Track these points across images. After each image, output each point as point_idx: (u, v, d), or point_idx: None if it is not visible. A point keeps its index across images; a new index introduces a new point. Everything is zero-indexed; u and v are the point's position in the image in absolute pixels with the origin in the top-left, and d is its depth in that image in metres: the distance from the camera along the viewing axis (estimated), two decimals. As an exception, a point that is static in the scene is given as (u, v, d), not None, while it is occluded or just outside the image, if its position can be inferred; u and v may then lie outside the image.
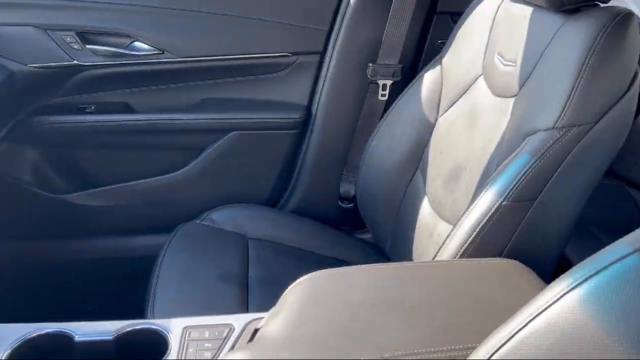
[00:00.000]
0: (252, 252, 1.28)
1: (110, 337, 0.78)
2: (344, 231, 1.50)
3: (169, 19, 1.34)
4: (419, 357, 0.64)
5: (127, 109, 1.41)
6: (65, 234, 1.47)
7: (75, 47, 1.30)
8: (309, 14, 1.39)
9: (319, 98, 1.43)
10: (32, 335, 0.76)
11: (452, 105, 1.17)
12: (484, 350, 0.58)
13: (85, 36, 1.31)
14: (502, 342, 0.56)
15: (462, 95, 1.15)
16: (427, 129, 1.21)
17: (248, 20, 1.37)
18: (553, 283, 0.57)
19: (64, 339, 0.77)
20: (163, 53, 1.34)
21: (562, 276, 0.56)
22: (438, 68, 1.24)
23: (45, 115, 1.36)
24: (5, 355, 0.74)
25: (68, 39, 1.28)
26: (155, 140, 1.44)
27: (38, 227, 1.45)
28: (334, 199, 1.51)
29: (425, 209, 1.16)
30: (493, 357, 0.56)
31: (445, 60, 1.23)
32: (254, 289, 1.15)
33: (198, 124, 1.42)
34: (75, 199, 1.44)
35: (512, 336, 0.56)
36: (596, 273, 0.52)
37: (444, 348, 0.64)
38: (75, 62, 1.31)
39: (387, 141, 1.29)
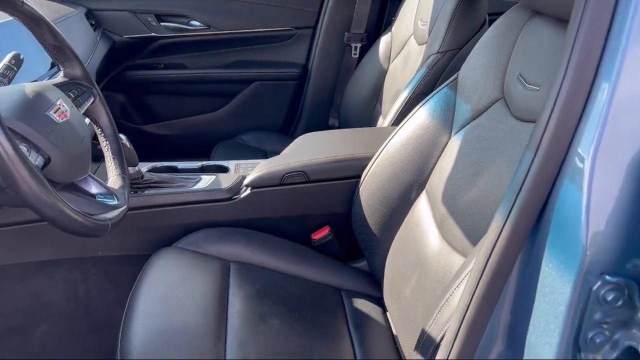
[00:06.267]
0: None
1: (197, 167, 1.44)
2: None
3: (213, 5, 1.99)
4: (358, 158, 1.29)
5: (184, 66, 2.07)
6: (141, 155, 2.11)
7: (153, 24, 1.96)
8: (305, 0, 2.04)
9: (313, 58, 2.08)
10: (157, 166, 1.43)
11: (397, 56, 1.83)
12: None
13: (160, 17, 1.98)
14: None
15: (402, 49, 1.81)
16: (382, 74, 1.86)
17: (264, 6, 2.02)
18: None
19: (172, 168, 1.43)
20: (209, 28, 2.00)
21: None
22: (389, 34, 1.90)
23: (131, 71, 2.02)
24: (145, 170, 1.39)
25: (149, 19, 1.95)
26: (202, 88, 2.09)
27: (123, 149, 2.10)
28: (325, 129, 2.15)
29: (380, 121, 1.81)
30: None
31: (393, 28, 1.89)
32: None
33: (231, 76, 2.08)
34: (148, 128, 2.10)
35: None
36: (427, 101, 1.18)
37: (370, 152, 1.30)
38: (153, 34, 1.98)
39: (358, 85, 1.94)
